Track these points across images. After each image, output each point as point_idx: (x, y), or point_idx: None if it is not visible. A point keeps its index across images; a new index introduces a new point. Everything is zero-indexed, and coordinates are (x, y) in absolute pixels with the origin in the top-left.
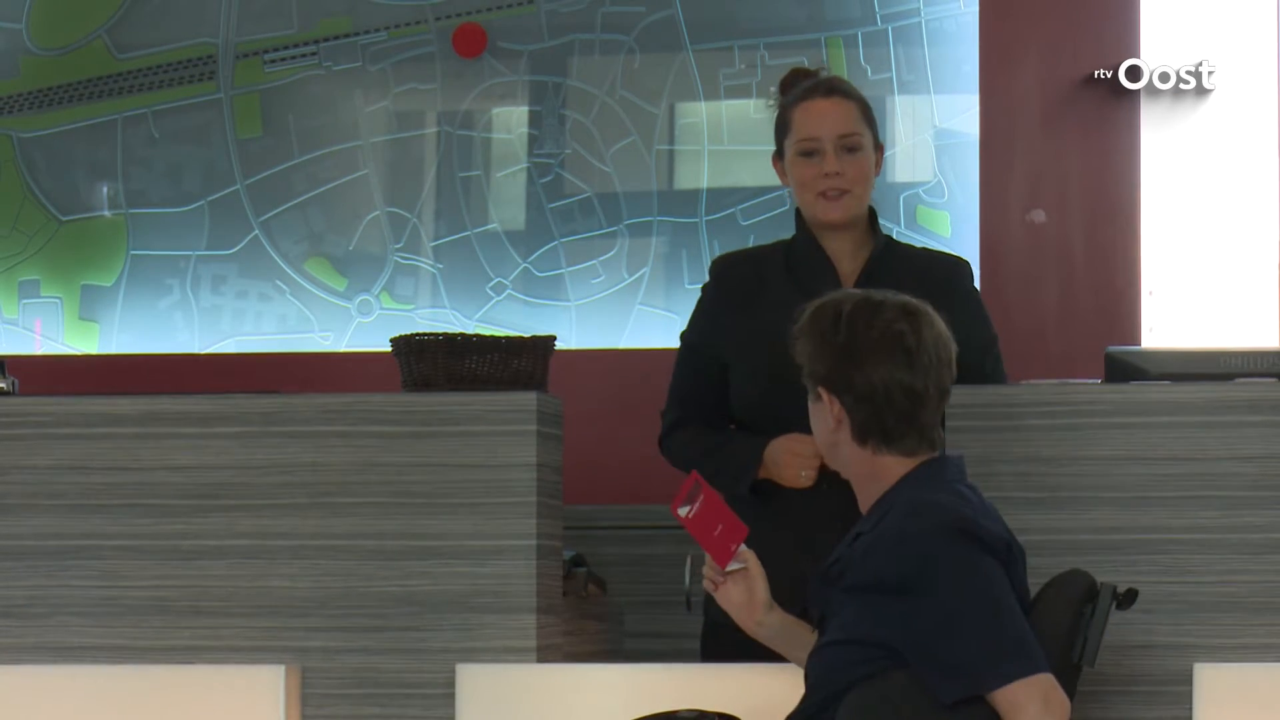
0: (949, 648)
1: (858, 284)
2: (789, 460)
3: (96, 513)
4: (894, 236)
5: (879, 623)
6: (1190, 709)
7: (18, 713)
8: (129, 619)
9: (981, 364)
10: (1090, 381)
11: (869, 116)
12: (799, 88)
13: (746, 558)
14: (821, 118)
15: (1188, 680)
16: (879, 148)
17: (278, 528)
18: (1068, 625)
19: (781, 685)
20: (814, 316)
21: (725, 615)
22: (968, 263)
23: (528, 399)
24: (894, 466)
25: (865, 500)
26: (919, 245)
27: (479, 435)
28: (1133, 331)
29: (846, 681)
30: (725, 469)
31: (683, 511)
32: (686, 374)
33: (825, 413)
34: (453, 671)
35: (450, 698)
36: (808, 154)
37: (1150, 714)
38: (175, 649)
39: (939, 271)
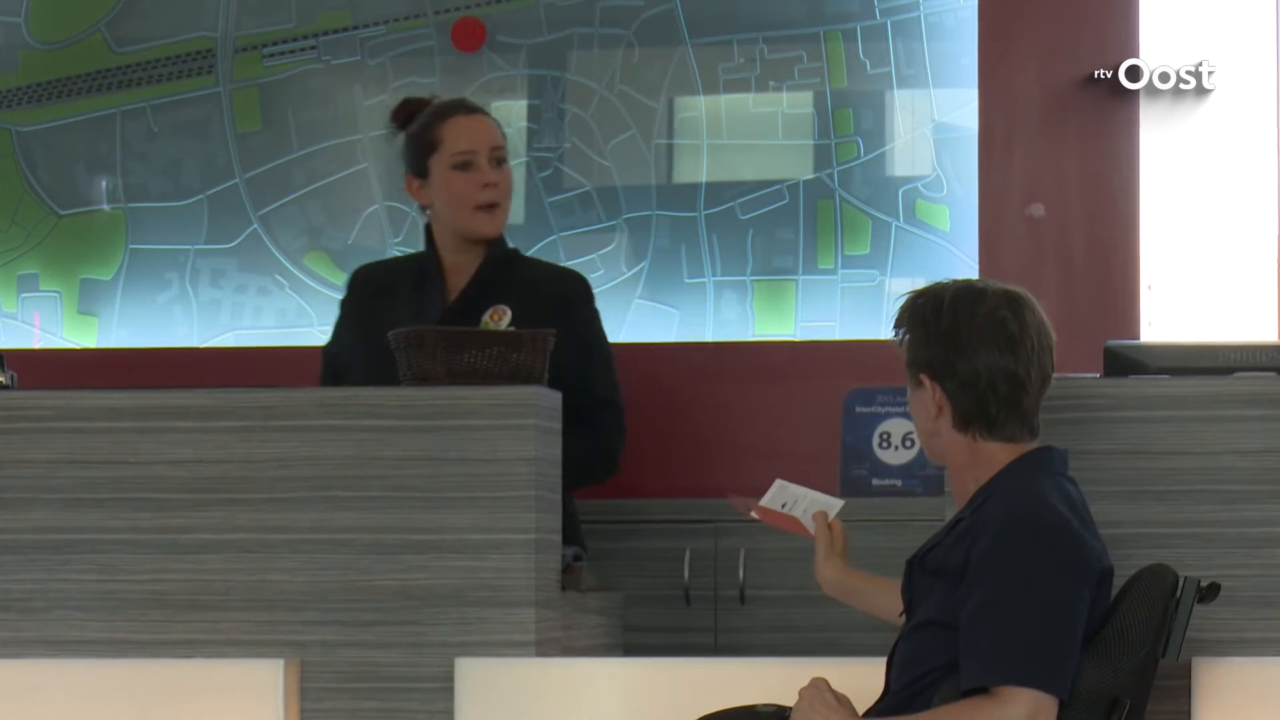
0: (978, 634)
1: (464, 295)
2: None
3: (95, 507)
4: (882, 234)
5: (958, 604)
6: (1189, 704)
7: (16, 707)
8: (128, 613)
9: (584, 378)
10: (1089, 375)
11: (504, 135)
12: (433, 109)
13: (817, 521)
14: (474, 131)
15: (1186, 675)
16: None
17: (277, 522)
18: (1158, 619)
19: (783, 678)
20: (914, 307)
21: None
22: (585, 280)
23: (526, 393)
24: (998, 454)
25: (961, 490)
26: (545, 260)
27: (478, 429)
28: (1131, 326)
29: (934, 665)
30: None
31: (754, 515)
32: (326, 382)
33: (926, 400)
34: (451, 665)
35: (449, 691)
36: (463, 166)
37: (1150, 708)
38: (174, 643)
39: (555, 285)
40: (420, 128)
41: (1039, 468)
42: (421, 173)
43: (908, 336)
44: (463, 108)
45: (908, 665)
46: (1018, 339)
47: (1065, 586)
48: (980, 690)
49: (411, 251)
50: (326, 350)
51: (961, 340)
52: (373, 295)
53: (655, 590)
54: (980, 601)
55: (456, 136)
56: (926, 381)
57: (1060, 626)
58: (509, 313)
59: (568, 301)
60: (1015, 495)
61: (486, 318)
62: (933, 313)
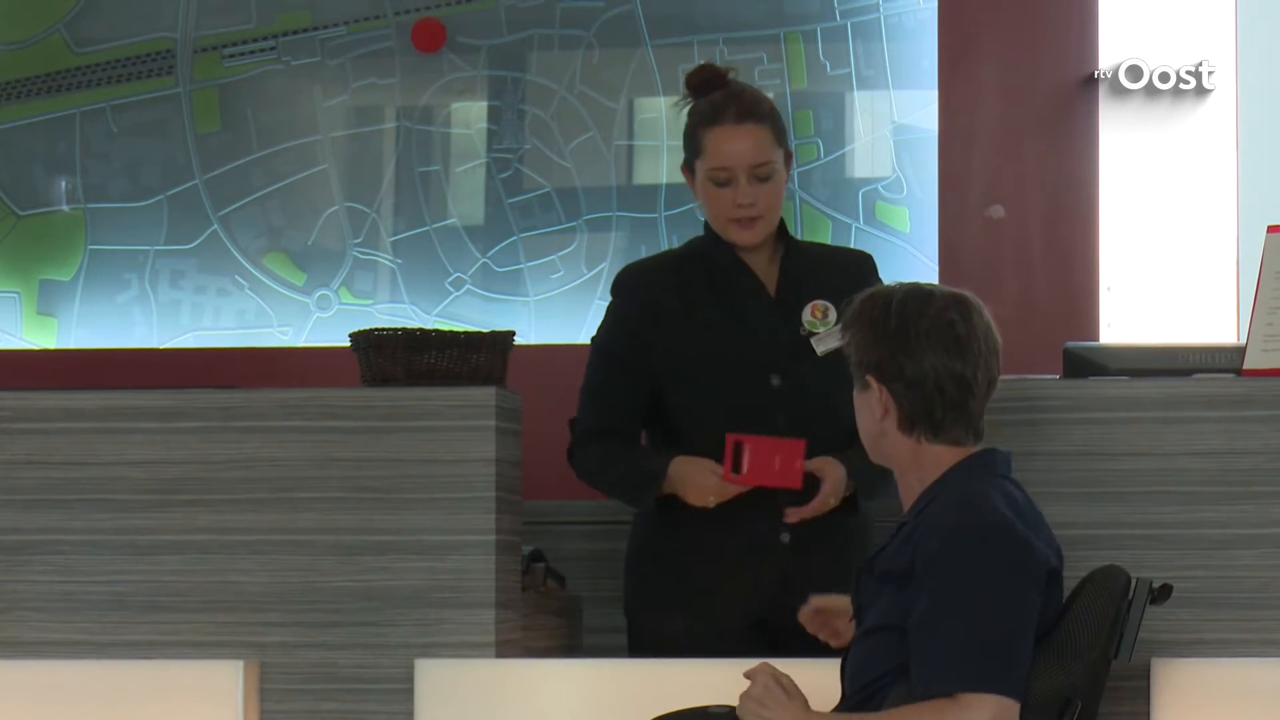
0: (933, 640)
1: (779, 288)
2: (695, 489)
3: (55, 508)
4: (842, 236)
5: (906, 608)
6: (1148, 704)
7: None
8: (87, 614)
9: None
10: (1048, 377)
11: (779, 133)
12: (708, 104)
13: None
14: (735, 149)
15: (1145, 676)
16: (789, 155)
17: (236, 523)
18: (1109, 620)
19: (740, 680)
20: (863, 307)
21: (659, 634)
22: (870, 256)
23: (486, 394)
24: (942, 457)
25: (907, 492)
26: (816, 243)
27: (438, 430)
28: (1091, 327)
29: (885, 670)
30: (627, 482)
31: (734, 474)
32: (606, 381)
33: (872, 402)
34: (411, 666)
35: (409, 692)
36: (720, 183)
37: (1108, 709)
38: (133, 644)
39: (852, 268)
40: (692, 124)
41: (982, 470)
42: (690, 169)
43: (855, 338)
44: (732, 114)
45: (859, 671)
46: (965, 341)
47: (1015, 587)
48: (939, 694)
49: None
50: (606, 348)
51: (909, 341)
52: (666, 301)
53: (615, 591)
54: (932, 606)
55: (716, 150)
56: (873, 382)
57: (1014, 628)
58: (832, 309)
59: (866, 284)
60: (958, 499)
61: (808, 315)
62: (881, 314)
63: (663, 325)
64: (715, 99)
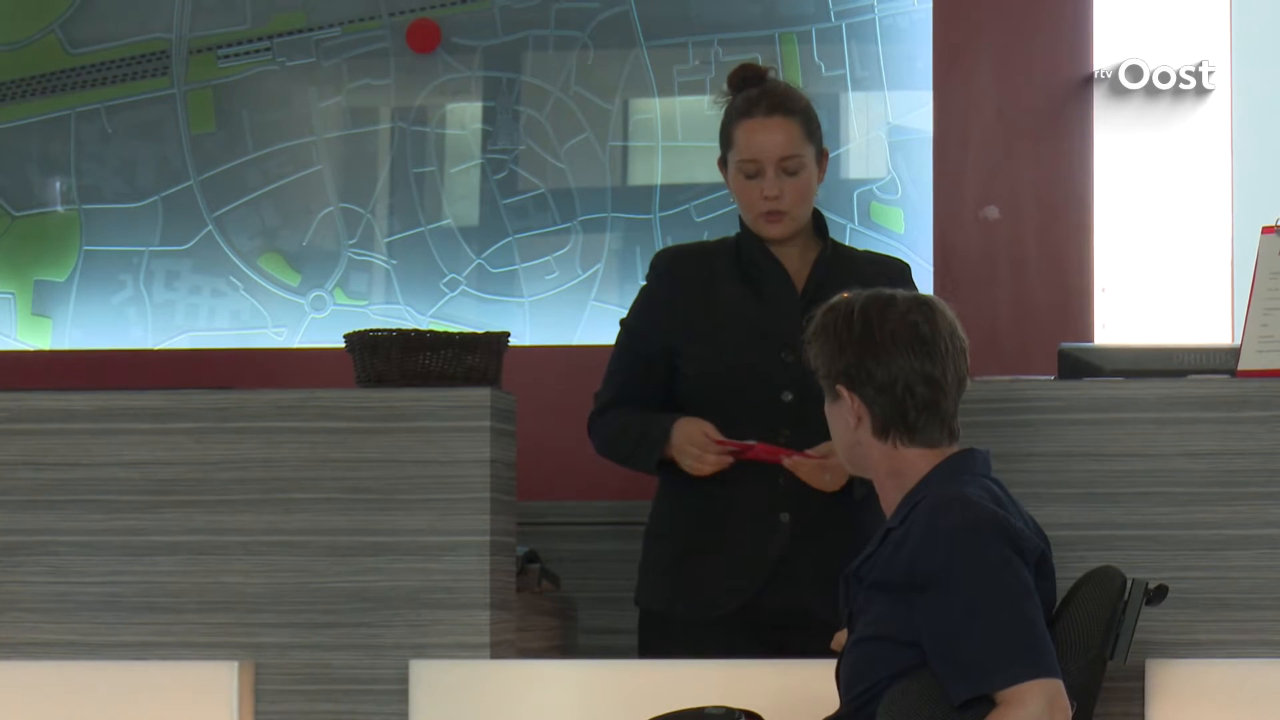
0: (963, 646)
1: (806, 286)
2: (684, 450)
3: (49, 508)
4: (836, 237)
5: (908, 618)
6: (1143, 705)
7: None
8: (81, 615)
9: None
10: (1043, 378)
11: (811, 129)
12: (743, 98)
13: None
14: (763, 141)
15: (1139, 676)
16: (823, 154)
17: (231, 523)
18: (1104, 621)
19: (735, 681)
20: (825, 318)
21: (658, 604)
22: (909, 265)
23: (481, 395)
24: (918, 461)
25: (888, 499)
26: (860, 248)
27: (432, 431)
28: (1085, 328)
29: (879, 678)
30: (638, 447)
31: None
32: (627, 360)
33: (845, 412)
34: (406, 667)
35: (403, 693)
36: (749, 175)
37: (1103, 710)
38: (128, 645)
39: (887, 275)
40: (726, 118)
41: (962, 471)
42: (724, 163)
43: (821, 349)
44: (763, 108)
45: (854, 680)
46: (931, 341)
47: (1017, 573)
48: (979, 699)
49: (714, 238)
50: (630, 326)
51: (875, 346)
52: (693, 278)
53: (609, 592)
54: (947, 617)
55: (746, 142)
56: (844, 392)
57: (1029, 612)
58: None
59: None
60: (941, 502)
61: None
62: (844, 322)
63: (685, 298)
64: (750, 94)
